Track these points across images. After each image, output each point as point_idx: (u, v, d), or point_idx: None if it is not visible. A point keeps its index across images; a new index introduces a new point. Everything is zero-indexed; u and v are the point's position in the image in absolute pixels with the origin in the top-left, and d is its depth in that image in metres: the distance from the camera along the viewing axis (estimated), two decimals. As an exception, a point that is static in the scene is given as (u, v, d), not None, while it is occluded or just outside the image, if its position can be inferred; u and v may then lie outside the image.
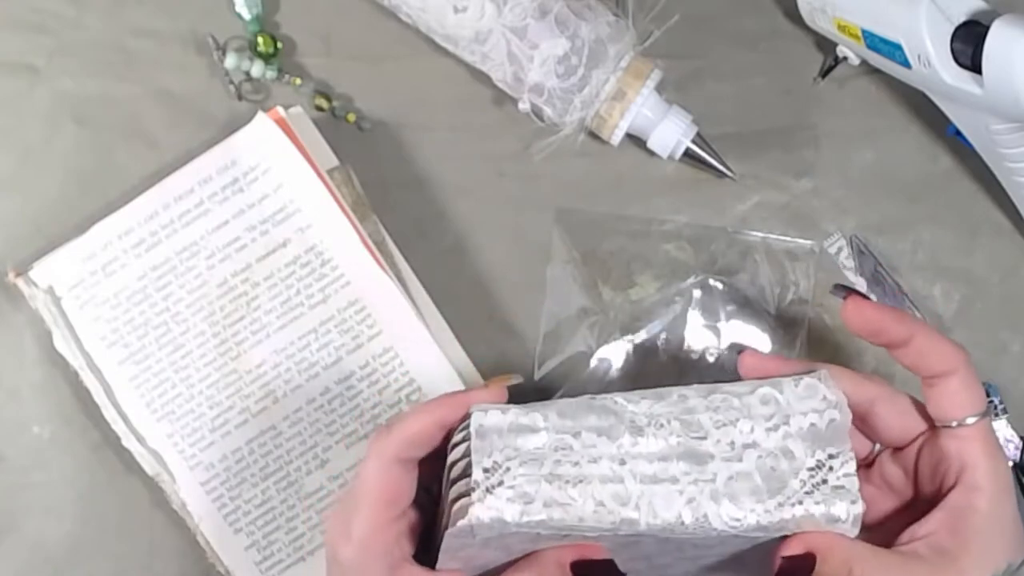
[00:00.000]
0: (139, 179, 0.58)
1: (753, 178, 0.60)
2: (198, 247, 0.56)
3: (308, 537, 0.56)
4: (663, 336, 0.58)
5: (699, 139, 0.57)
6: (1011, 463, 0.58)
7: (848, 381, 0.44)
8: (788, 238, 0.59)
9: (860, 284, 0.59)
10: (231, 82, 0.59)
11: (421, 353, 0.56)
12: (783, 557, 0.42)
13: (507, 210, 0.59)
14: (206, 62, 0.59)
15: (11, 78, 0.59)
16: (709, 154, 0.58)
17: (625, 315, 0.58)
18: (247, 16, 0.59)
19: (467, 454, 0.41)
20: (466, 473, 0.41)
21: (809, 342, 0.59)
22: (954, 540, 0.42)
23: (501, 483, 0.40)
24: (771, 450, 0.41)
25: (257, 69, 0.58)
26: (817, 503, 0.41)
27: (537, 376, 0.58)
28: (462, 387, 0.55)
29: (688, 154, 0.57)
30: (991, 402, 0.43)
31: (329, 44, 0.60)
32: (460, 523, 0.40)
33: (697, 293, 0.59)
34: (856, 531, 0.41)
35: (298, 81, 0.59)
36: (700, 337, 0.58)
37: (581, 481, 0.40)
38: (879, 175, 0.60)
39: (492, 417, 0.42)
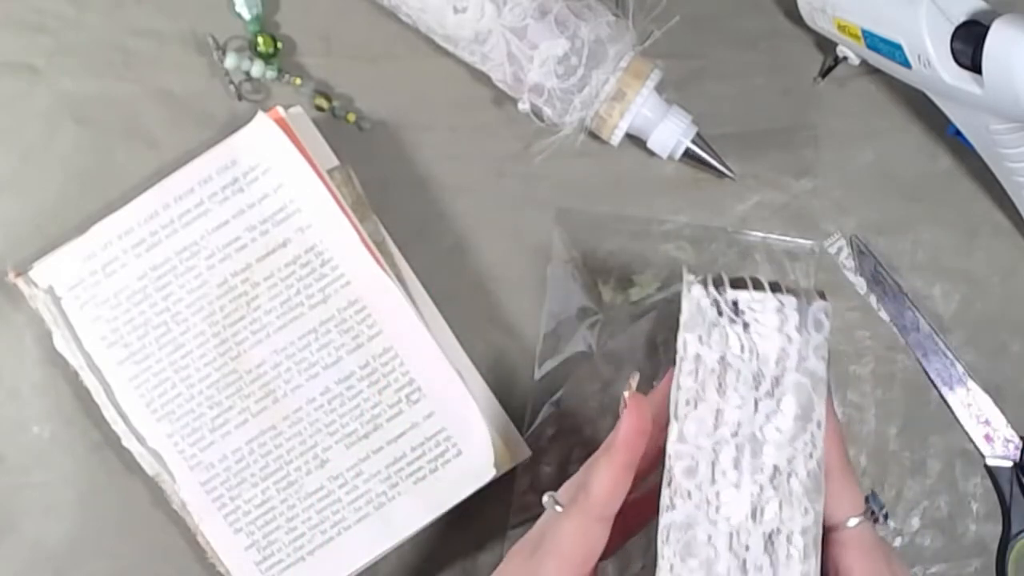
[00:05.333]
0: (139, 179, 0.58)
1: (753, 178, 0.60)
2: (198, 247, 0.56)
3: (308, 537, 0.56)
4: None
5: (699, 139, 0.57)
6: (1011, 463, 0.58)
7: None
8: (788, 238, 0.59)
9: (860, 284, 0.59)
10: (231, 82, 0.59)
11: (421, 353, 0.56)
12: None
13: (507, 210, 0.59)
14: (206, 62, 0.59)
15: (11, 78, 0.59)
16: (709, 154, 0.58)
17: (625, 315, 0.59)
18: (247, 16, 0.59)
19: None
20: None
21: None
22: None
23: None
24: None
25: (257, 69, 0.58)
26: None
27: (537, 376, 0.58)
28: (462, 388, 0.55)
29: (688, 154, 0.57)
30: (871, 508, 0.45)
31: (329, 44, 0.60)
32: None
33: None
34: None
35: (298, 81, 0.59)
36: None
37: None
38: (879, 175, 0.60)
39: None
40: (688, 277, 0.44)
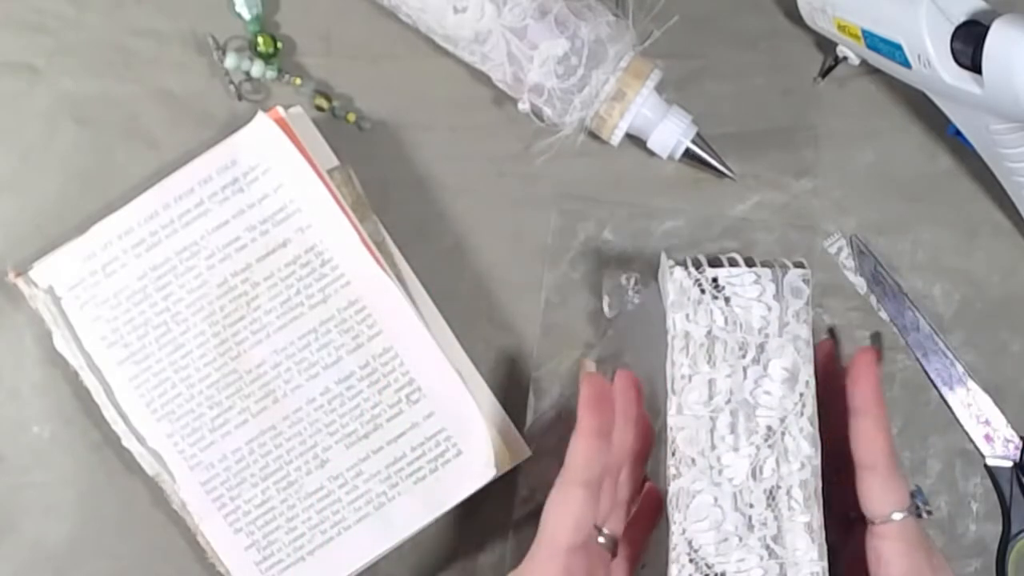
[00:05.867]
0: (139, 179, 0.58)
1: (753, 178, 0.60)
2: (198, 247, 0.56)
3: (308, 537, 0.56)
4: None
5: (699, 139, 0.57)
6: (1011, 463, 0.58)
7: (862, 434, 0.46)
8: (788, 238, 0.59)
9: (860, 284, 0.59)
10: (231, 82, 0.59)
11: (421, 353, 0.56)
12: None
13: (507, 210, 0.59)
14: (206, 62, 0.59)
15: (11, 78, 0.59)
16: (709, 154, 0.58)
17: (625, 313, 0.58)
18: (247, 16, 0.59)
19: None
20: None
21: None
22: None
23: None
24: None
25: (257, 69, 0.58)
26: None
27: (537, 376, 0.58)
28: (462, 388, 0.55)
29: (688, 154, 0.57)
30: (916, 503, 0.46)
31: (329, 44, 0.60)
32: None
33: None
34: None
35: (298, 81, 0.59)
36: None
37: None
38: (879, 175, 0.60)
39: None
40: (668, 262, 0.47)
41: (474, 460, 0.56)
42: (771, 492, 0.45)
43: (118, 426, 0.56)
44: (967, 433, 0.59)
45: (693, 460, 0.45)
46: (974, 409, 0.59)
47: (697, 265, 0.47)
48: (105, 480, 0.57)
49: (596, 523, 0.48)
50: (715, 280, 0.47)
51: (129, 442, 0.56)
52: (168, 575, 0.58)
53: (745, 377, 0.46)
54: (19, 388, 0.58)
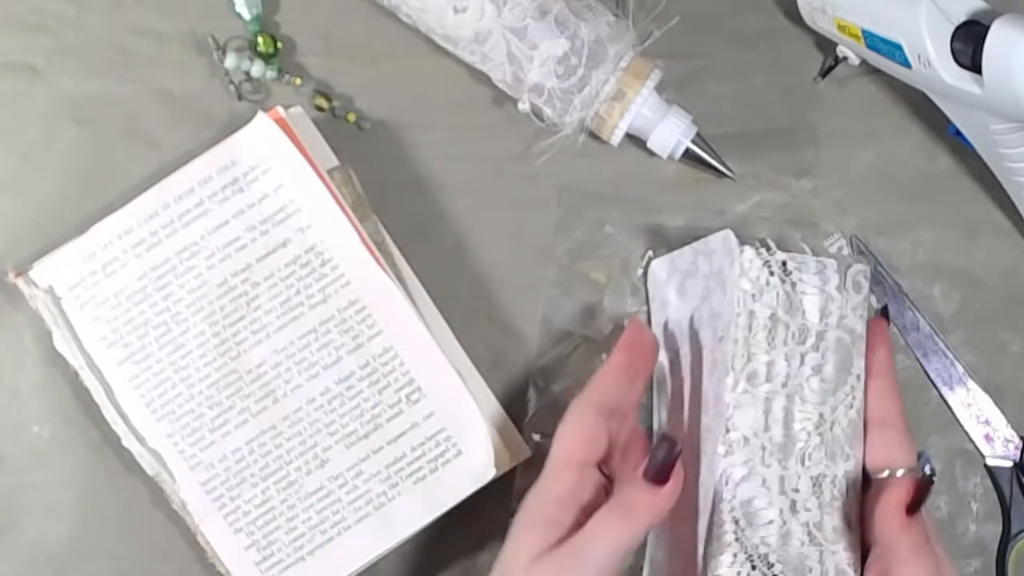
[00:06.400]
0: (139, 179, 0.58)
1: (753, 178, 0.60)
2: (198, 247, 0.56)
3: (308, 537, 0.56)
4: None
5: (699, 139, 0.57)
6: (1011, 463, 0.58)
7: (878, 393, 0.47)
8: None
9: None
10: (231, 82, 0.59)
11: (421, 353, 0.56)
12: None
13: (507, 210, 0.59)
14: (206, 62, 0.59)
15: (11, 78, 0.59)
16: (709, 154, 0.58)
17: (627, 308, 0.59)
18: (247, 16, 0.59)
19: None
20: None
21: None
22: None
23: None
24: None
25: (257, 69, 0.58)
26: None
27: (536, 375, 0.58)
28: (462, 388, 0.55)
29: (688, 154, 0.57)
30: (922, 465, 0.47)
31: (329, 44, 0.60)
32: None
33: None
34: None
35: (298, 81, 0.59)
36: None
37: None
38: (879, 175, 0.60)
39: None
40: (734, 240, 0.48)
41: (474, 460, 0.56)
42: (817, 480, 0.46)
43: (118, 426, 0.56)
44: (967, 433, 0.59)
45: (746, 439, 0.46)
46: (974, 409, 0.59)
47: (767, 248, 0.47)
48: (105, 480, 0.57)
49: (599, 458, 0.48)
50: (784, 264, 0.47)
51: (129, 442, 0.56)
52: (168, 575, 0.58)
53: (802, 364, 0.46)
54: (19, 388, 0.58)
